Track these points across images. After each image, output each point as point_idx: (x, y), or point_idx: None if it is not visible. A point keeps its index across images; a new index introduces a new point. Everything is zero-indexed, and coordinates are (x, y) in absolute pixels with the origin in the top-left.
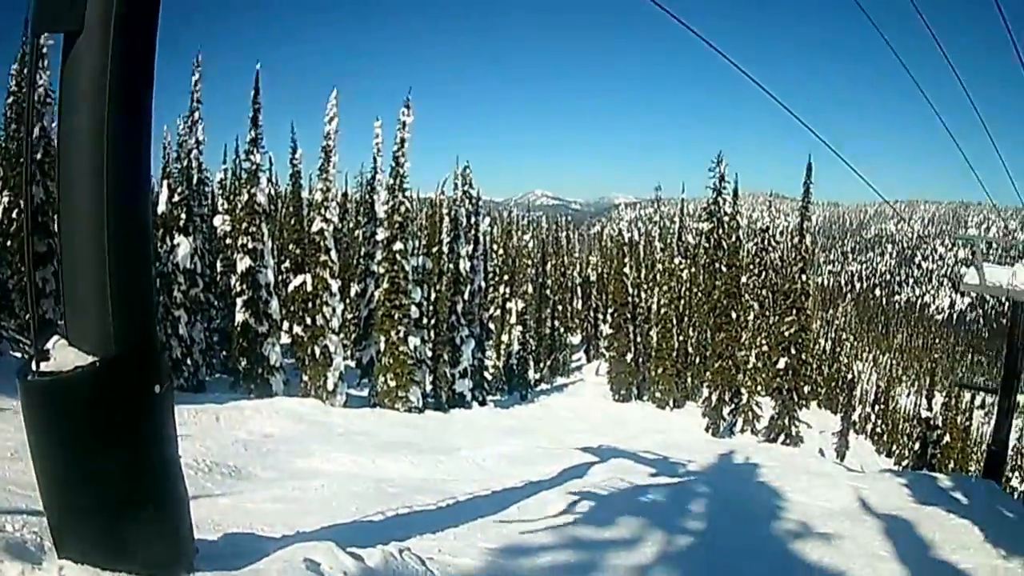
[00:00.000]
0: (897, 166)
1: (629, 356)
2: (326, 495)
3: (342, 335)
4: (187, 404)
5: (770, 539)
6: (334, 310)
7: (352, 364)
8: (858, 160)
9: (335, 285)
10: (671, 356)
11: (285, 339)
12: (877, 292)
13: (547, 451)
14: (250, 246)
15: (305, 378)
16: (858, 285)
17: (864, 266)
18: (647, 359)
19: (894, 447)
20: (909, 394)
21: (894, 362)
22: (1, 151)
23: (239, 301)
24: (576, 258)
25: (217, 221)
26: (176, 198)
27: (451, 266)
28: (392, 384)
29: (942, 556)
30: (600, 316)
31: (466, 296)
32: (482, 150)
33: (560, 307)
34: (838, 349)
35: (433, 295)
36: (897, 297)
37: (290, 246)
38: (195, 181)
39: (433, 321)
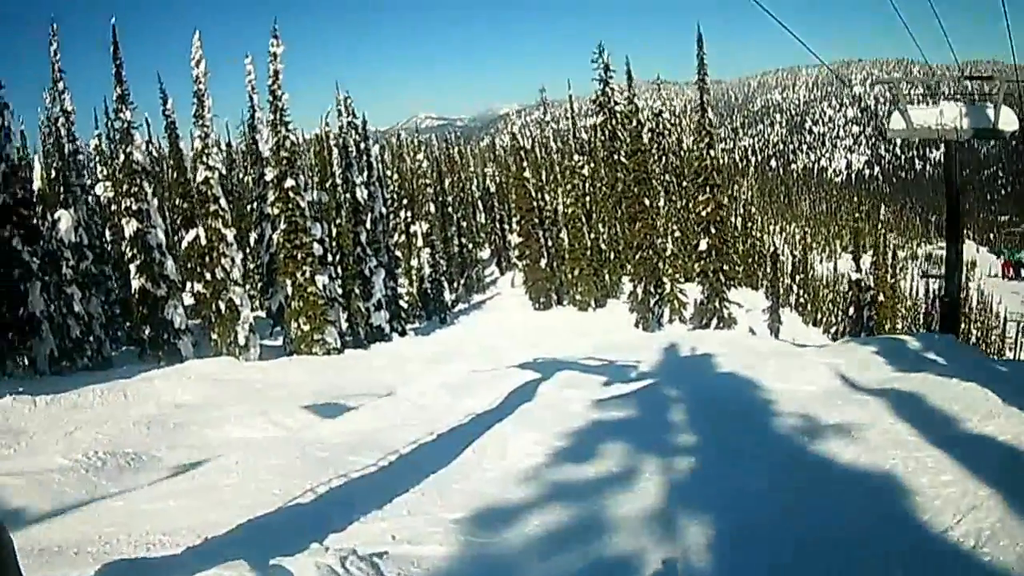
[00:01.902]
0: (774, 33)
1: (543, 262)
2: (242, 475)
3: (248, 286)
4: (93, 384)
5: (780, 441)
6: (233, 260)
7: (263, 314)
8: (734, 32)
9: (230, 234)
10: (585, 256)
11: (188, 300)
12: (773, 163)
13: (484, 375)
14: (134, 207)
15: (214, 336)
16: (753, 159)
17: (756, 139)
18: (561, 262)
19: (818, 316)
20: (822, 260)
21: (802, 231)
22: None
23: (132, 267)
24: (472, 172)
25: (99, 189)
26: (52, 173)
27: (348, 196)
28: (306, 328)
29: (973, 429)
30: (507, 226)
31: (368, 225)
32: (360, 81)
33: (464, 223)
34: (750, 225)
35: (334, 230)
36: (793, 165)
37: (177, 201)
38: (67, 152)
39: (339, 257)
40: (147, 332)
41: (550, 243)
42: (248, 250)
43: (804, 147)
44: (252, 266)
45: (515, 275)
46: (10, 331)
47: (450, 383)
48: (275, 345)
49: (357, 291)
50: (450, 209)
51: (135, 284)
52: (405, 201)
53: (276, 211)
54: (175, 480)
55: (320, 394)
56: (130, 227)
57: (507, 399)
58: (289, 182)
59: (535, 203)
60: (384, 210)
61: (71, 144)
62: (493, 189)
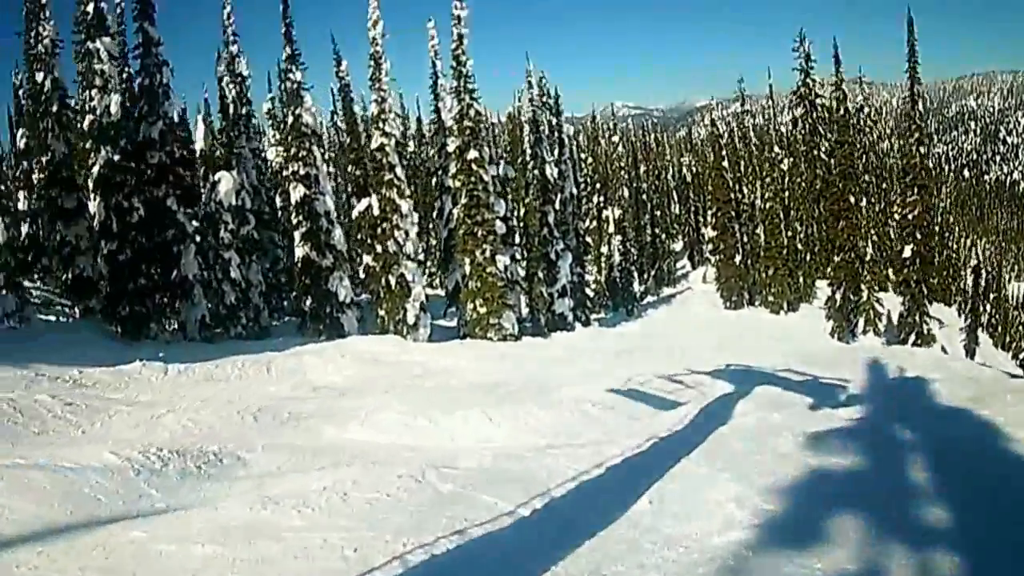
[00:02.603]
0: (969, 36)
1: (737, 258)
2: (318, 515)
3: (428, 262)
4: (240, 354)
5: None
6: (407, 233)
7: (441, 293)
8: (927, 32)
9: (405, 205)
10: (781, 255)
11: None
12: (966, 173)
13: (670, 381)
14: (302, 172)
15: (381, 312)
16: (946, 167)
17: (949, 146)
18: (755, 260)
19: (1007, 339)
20: (1010, 280)
21: (995, 246)
22: None
23: (297, 234)
24: (668, 161)
25: (271, 154)
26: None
27: (536, 173)
28: (482, 310)
29: None
30: (701, 219)
31: (557, 205)
32: (556, 68)
33: (658, 212)
34: (947, 235)
35: (521, 209)
36: (987, 177)
37: (349, 168)
38: (231, 113)
39: (524, 238)
40: (308, 303)
41: (745, 239)
42: (431, 225)
43: (997, 158)
44: (433, 243)
45: (707, 270)
46: (159, 293)
47: (630, 389)
48: (449, 326)
49: (541, 275)
50: (644, 197)
51: (299, 252)
52: (598, 186)
53: (457, 184)
54: (227, 508)
55: (481, 388)
56: (296, 192)
57: (697, 419)
58: (472, 153)
59: (732, 195)
60: (575, 191)
61: (245, 107)
62: (689, 179)
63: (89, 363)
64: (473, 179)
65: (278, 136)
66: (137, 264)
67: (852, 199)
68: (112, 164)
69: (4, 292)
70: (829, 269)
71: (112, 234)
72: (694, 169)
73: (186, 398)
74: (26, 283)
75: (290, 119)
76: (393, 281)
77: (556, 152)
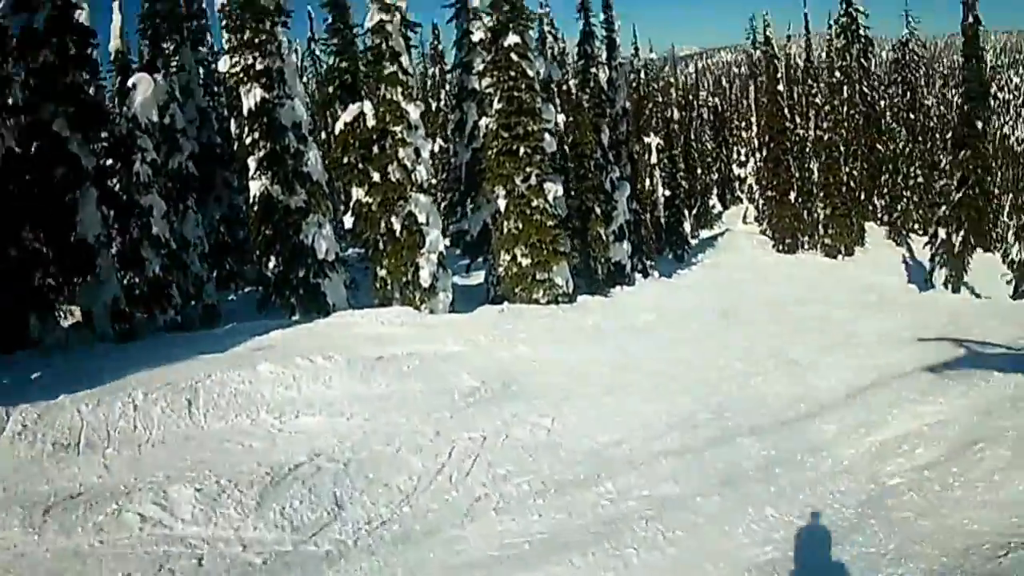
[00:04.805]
0: None
1: (792, 195)
2: None
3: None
4: (159, 365)
5: None
6: (418, 154)
7: (448, 243)
8: None
9: (415, 111)
10: (840, 192)
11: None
12: None
13: (885, 384)
14: (259, 66)
15: (381, 272)
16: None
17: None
18: (807, 199)
19: None
20: None
21: None
22: None
23: (251, 161)
24: (682, 95)
25: (222, 65)
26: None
27: (593, 73)
28: (525, 262)
29: None
30: (731, 155)
31: (608, 121)
32: None
33: (688, 146)
34: None
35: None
36: None
37: (329, 60)
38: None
39: (572, 162)
40: (272, 265)
41: (797, 175)
42: (445, 142)
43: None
44: (443, 176)
45: (747, 209)
46: (40, 270)
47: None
48: (469, 285)
49: (597, 211)
50: (676, 127)
51: (254, 188)
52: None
53: (487, 82)
54: None
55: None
56: (251, 98)
57: None
58: (511, 38)
59: (787, 125)
60: (627, 105)
61: (193, 4)
62: (718, 112)
63: None
64: (513, 74)
65: (234, 41)
66: None
67: (980, 124)
68: None
69: None
70: (943, 209)
71: None
72: (712, 102)
73: None
74: None
75: None
76: (398, 225)
77: (608, 51)
